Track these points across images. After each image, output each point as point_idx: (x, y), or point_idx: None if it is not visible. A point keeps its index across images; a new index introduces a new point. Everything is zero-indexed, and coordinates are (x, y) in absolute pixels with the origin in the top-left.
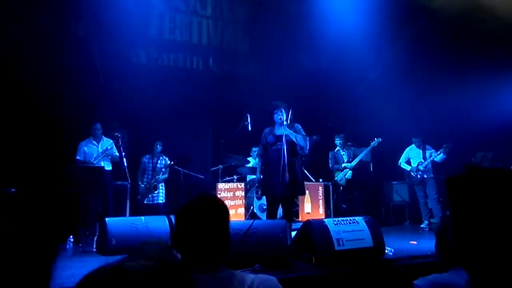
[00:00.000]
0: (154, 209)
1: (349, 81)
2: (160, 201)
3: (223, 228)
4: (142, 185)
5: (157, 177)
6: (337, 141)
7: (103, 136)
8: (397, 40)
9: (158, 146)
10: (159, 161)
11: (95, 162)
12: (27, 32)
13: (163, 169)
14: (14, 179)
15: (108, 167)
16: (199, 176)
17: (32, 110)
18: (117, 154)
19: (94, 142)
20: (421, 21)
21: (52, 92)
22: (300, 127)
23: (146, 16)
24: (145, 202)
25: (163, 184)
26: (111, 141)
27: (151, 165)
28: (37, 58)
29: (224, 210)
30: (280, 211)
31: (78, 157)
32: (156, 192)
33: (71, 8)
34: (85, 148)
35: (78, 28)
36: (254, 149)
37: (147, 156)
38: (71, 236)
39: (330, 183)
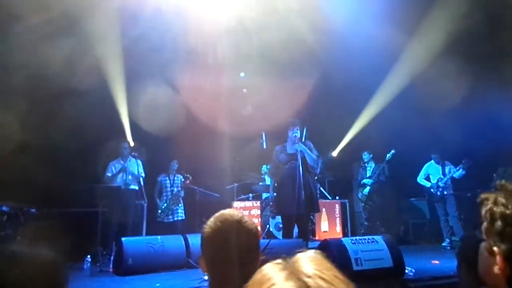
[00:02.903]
0: (173, 227)
1: (367, 95)
2: (180, 218)
3: (252, 252)
4: (162, 203)
5: (176, 192)
6: (365, 156)
7: (129, 156)
8: (418, 52)
9: (175, 164)
10: (175, 179)
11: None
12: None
13: (180, 187)
14: (35, 199)
15: (134, 186)
16: (214, 194)
17: (52, 131)
18: (141, 172)
19: (122, 161)
20: (441, 34)
21: (72, 113)
22: (312, 145)
23: (161, 38)
24: (166, 220)
25: (182, 201)
26: (137, 161)
27: (169, 183)
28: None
29: (254, 233)
30: (296, 229)
31: (108, 174)
32: (175, 208)
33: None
34: (113, 167)
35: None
36: (264, 168)
37: (163, 175)
38: (89, 256)
39: (346, 200)
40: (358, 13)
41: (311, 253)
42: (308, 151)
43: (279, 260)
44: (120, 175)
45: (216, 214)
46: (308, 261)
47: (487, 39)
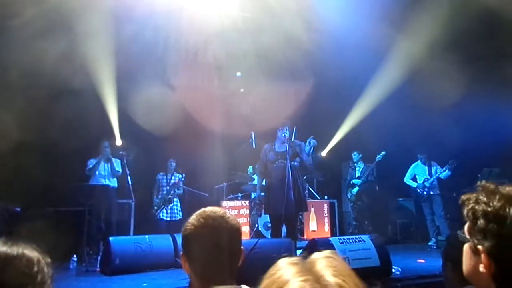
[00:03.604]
0: (169, 225)
1: (356, 96)
2: (178, 217)
3: (235, 247)
4: (157, 199)
5: (173, 192)
6: (355, 156)
7: (110, 155)
8: (404, 54)
9: (172, 163)
10: (173, 177)
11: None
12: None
13: (175, 187)
14: (20, 198)
15: (113, 184)
16: (204, 194)
17: (39, 128)
18: (119, 169)
19: (103, 160)
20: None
21: (60, 110)
22: (304, 146)
23: (154, 37)
24: (164, 218)
25: (178, 200)
26: (118, 160)
27: (165, 181)
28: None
29: (237, 228)
30: (284, 229)
31: (88, 173)
32: (171, 206)
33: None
34: (92, 165)
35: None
36: (250, 169)
37: (161, 174)
38: (75, 256)
39: (335, 200)
40: (352, 12)
41: (328, 254)
42: (308, 148)
43: (295, 260)
44: (99, 169)
45: (198, 212)
46: (329, 266)
47: (481, 39)
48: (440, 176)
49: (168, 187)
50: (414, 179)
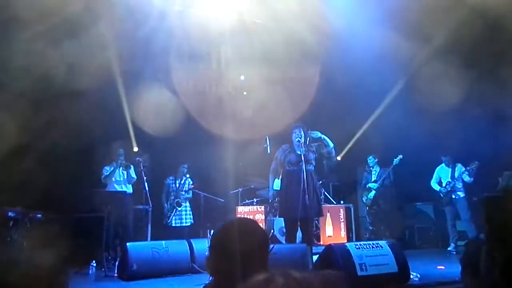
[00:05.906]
0: (180, 232)
1: (370, 99)
2: (189, 223)
3: (262, 258)
4: (167, 206)
5: (180, 194)
6: (370, 161)
7: (123, 161)
8: (421, 55)
9: (184, 168)
10: (182, 181)
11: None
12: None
13: (187, 189)
14: (40, 204)
15: (129, 190)
16: (219, 199)
17: (55, 133)
18: (134, 176)
19: (119, 167)
20: (447, 36)
21: (76, 116)
22: (325, 140)
23: (166, 43)
24: (174, 224)
25: (189, 205)
26: (131, 166)
27: (175, 186)
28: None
29: (265, 238)
30: (299, 234)
31: (105, 173)
32: (180, 211)
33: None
34: (107, 168)
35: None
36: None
37: (171, 178)
38: (94, 261)
39: (351, 205)
40: (361, 16)
41: None
42: (326, 138)
43: None
44: (114, 176)
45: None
46: None
47: (494, 39)
48: (464, 179)
49: (179, 193)
50: (440, 182)
